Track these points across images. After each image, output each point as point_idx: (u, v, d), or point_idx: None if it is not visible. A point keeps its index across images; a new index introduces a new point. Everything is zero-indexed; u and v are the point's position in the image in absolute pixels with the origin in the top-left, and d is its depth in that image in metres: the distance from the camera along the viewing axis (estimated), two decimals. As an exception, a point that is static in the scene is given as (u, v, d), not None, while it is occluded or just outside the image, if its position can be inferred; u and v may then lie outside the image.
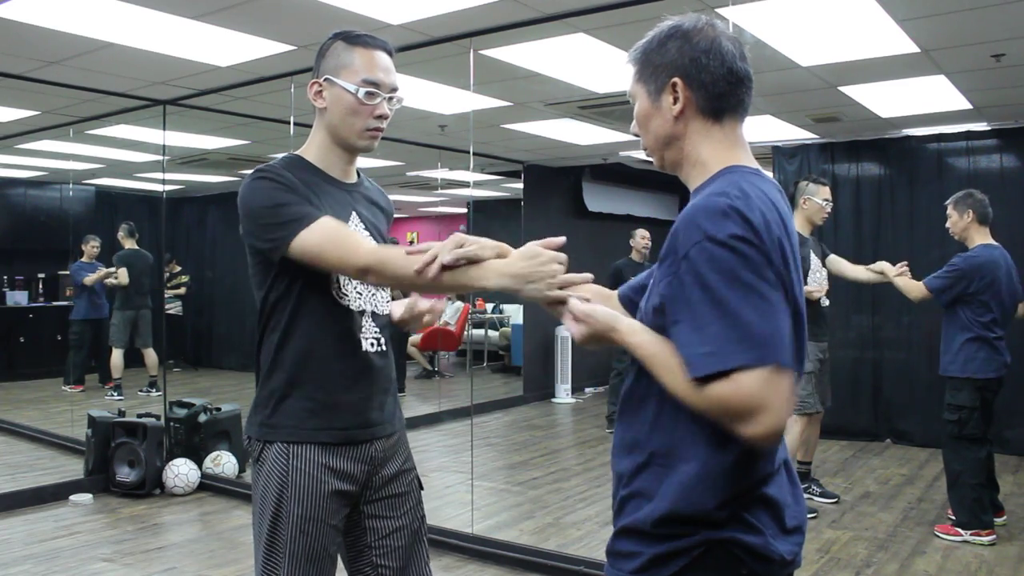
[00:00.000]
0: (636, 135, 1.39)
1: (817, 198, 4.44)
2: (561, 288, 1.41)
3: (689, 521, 1.19)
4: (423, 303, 1.89)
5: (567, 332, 1.40)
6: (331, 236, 1.61)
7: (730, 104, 1.30)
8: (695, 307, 1.13)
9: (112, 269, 7.75)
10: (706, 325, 1.12)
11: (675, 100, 1.29)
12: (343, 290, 1.75)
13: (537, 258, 1.45)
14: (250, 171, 1.76)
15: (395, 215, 2.06)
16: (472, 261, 1.52)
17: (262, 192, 1.66)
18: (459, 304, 9.99)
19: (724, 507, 1.19)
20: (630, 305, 1.46)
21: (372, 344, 1.79)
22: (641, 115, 1.35)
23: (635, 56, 1.35)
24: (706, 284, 1.12)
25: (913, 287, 4.25)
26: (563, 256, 1.45)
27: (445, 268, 1.51)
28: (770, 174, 7.00)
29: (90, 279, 7.78)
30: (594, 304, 1.34)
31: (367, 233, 1.82)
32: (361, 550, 1.83)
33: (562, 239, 1.47)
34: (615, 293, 1.54)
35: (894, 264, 4.42)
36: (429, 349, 10.00)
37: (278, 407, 1.74)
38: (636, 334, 1.26)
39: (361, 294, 1.78)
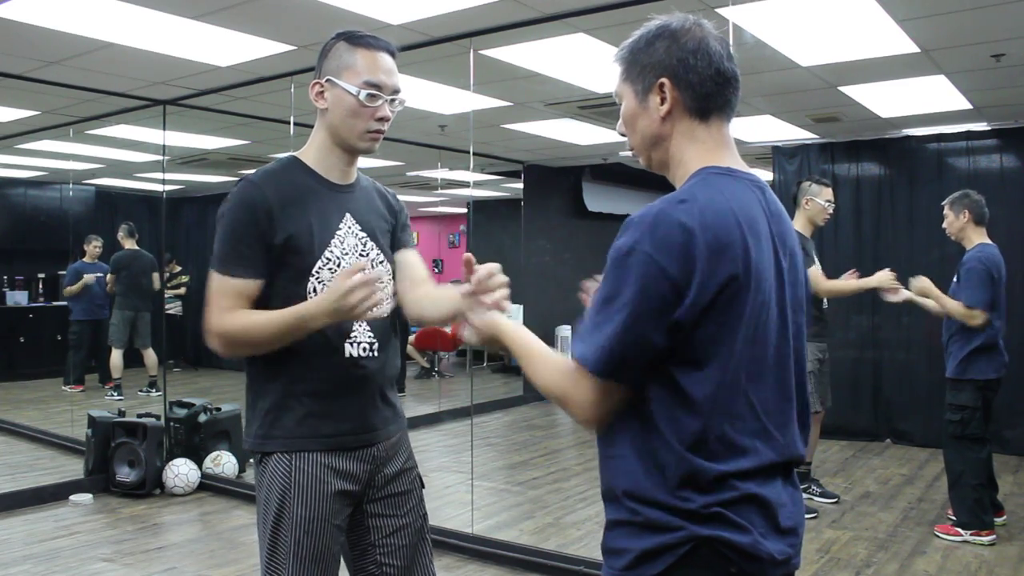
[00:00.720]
0: (623, 135, 1.39)
1: (820, 199, 4.44)
2: (476, 290, 1.47)
3: (659, 503, 1.20)
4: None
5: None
6: (209, 295, 1.69)
7: (717, 104, 1.30)
8: (594, 300, 1.23)
9: (91, 278, 7.77)
10: (587, 319, 1.23)
11: (662, 100, 1.29)
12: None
13: (339, 291, 1.56)
14: (251, 171, 1.77)
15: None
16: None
17: (230, 215, 1.70)
18: None
19: (689, 498, 1.19)
20: None
21: (364, 349, 1.77)
22: (628, 115, 1.35)
23: (622, 56, 1.35)
24: (603, 284, 1.21)
25: (961, 311, 4.01)
26: (361, 266, 1.58)
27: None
28: (770, 174, 7.02)
29: (69, 290, 7.81)
30: (489, 315, 1.47)
31: (364, 234, 1.82)
32: (365, 549, 1.83)
33: (362, 264, 1.62)
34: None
35: (894, 267, 4.38)
36: (426, 348, 9.99)
37: (271, 419, 1.74)
38: (518, 333, 1.39)
39: None
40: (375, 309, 1.65)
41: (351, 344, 1.76)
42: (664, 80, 1.28)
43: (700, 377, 1.19)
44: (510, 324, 1.43)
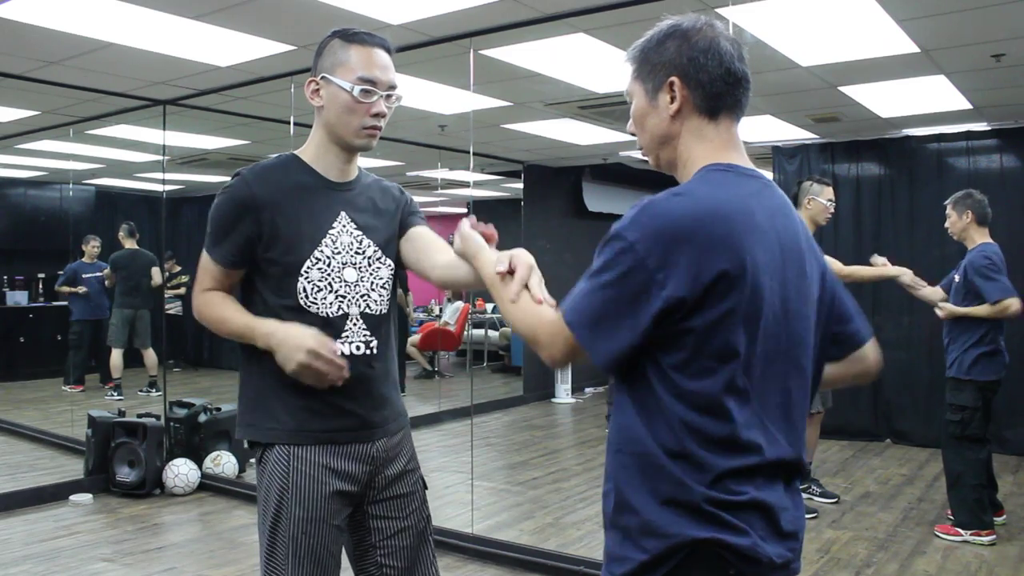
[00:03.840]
0: (632, 134, 1.39)
1: (821, 198, 4.44)
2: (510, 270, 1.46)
3: (665, 512, 1.20)
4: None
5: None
6: (198, 271, 1.79)
7: (727, 104, 1.30)
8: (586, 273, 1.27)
9: (81, 289, 7.79)
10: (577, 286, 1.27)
11: (672, 99, 1.29)
12: (312, 298, 1.73)
13: (297, 339, 1.66)
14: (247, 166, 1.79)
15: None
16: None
17: (218, 207, 1.76)
18: (459, 304, 9.98)
19: (700, 491, 1.18)
20: None
21: (357, 347, 1.76)
22: (638, 114, 1.35)
23: (633, 55, 1.35)
24: (596, 257, 1.24)
25: (985, 312, 3.97)
26: (330, 346, 1.67)
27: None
28: (770, 174, 7.02)
29: (60, 289, 7.83)
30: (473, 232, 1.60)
31: (359, 232, 1.80)
32: (366, 550, 1.83)
33: (335, 347, 1.70)
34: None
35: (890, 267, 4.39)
36: (429, 349, 9.99)
37: (262, 411, 1.75)
38: (492, 264, 1.43)
39: (344, 297, 1.76)
40: (314, 380, 1.68)
41: (343, 343, 1.75)
42: (674, 79, 1.28)
43: (695, 371, 1.19)
44: (491, 254, 1.49)
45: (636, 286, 1.18)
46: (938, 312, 4.21)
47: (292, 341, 1.65)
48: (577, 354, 1.25)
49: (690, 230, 1.17)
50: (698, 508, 1.19)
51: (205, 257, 1.78)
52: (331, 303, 1.75)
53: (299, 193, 1.75)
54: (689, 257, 1.16)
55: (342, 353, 1.73)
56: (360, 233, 1.81)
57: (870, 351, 1.45)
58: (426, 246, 1.85)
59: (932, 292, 4.34)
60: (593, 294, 1.21)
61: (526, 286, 1.35)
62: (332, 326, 1.73)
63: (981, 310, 4.00)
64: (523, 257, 1.41)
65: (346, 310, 1.76)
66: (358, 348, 1.77)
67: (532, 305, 1.33)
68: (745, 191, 1.26)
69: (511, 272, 1.39)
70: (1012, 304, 3.95)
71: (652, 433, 1.22)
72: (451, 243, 1.73)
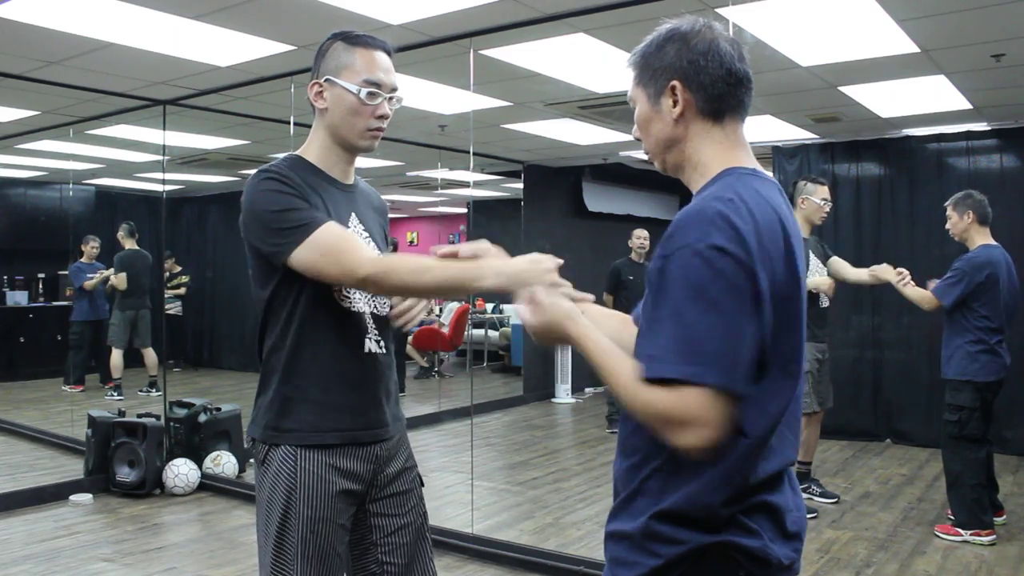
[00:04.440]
0: (638, 139, 1.39)
1: (815, 198, 4.44)
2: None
3: (686, 520, 1.19)
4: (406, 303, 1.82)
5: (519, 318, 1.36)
6: (332, 247, 1.61)
7: (730, 105, 1.30)
8: (659, 312, 1.14)
9: (110, 272, 7.76)
10: (662, 332, 1.12)
11: (675, 103, 1.29)
12: (345, 291, 1.74)
13: (539, 264, 1.48)
14: (251, 171, 1.76)
15: (395, 215, 2.05)
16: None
17: (269, 195, 1.65)
18: (453, 304, 9.97)
19: (725, 507, 1.18)
20: None
21: (376, 345, 1.79)
22: (641, 119, 1.35)
23: (634, 60, 1.35)
24: (673, 293, 1.13)
25: (923, 297, 4.19)
26: (559, 262, 1.48)
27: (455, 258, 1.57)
28: (770, 174, 7.01)
29: (90, 283, 7.79)
30: (557, 296, 1.32)
31: (367, 235, 1.82)
32: (367, 547, 1.84)
33: (560, 261, 1.50)
34: (612, 313, 1.54)
35: (895, 267, 4.40)
36: (422, 348, 10.01)
37: (284, 410, 1.73)
38: (589, 329, 1.25)
39: (362, 297, 1.78)
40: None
41: (369, 339, 1.77)
42: (675, 82, 1.28)
43: (761, 388, 1.17)
44: (583, 319, 1.28)
45: (747, 289, 1.12)
46: (878, 269, 4.37)
47: (534, 268, 1.49)
48: (728, 415, 1.12)
49: (761, 233, 1.16)
50: (715, 513, 1.18)
51: (331, 225, 1.63)
52: (355, 299, 1.76)
53: (320, 191, 1.75)
54: (766, 260, 1.16)
55: (369, 350, 1.77)
56: (367, 235, 1.83)
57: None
58: None
59: (920, 296, 4.28)
60: (700, 321, 1.10)
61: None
62: (358, 321, 1.76)
63: (920, 295, 4.21)
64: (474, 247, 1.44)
65: (363, 308, 1.78)
66: (375, 345, 1.79)
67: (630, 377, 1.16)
68: (776, 199, 1.27)
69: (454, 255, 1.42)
70: (930, 303, 4.14)
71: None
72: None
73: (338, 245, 1.61)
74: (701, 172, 1.30)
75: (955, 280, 4.06)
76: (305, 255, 1.61)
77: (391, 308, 1.84)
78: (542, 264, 1.47)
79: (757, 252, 1.14)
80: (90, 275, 7.85)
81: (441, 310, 10.29)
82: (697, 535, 1.19)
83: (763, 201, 1.22)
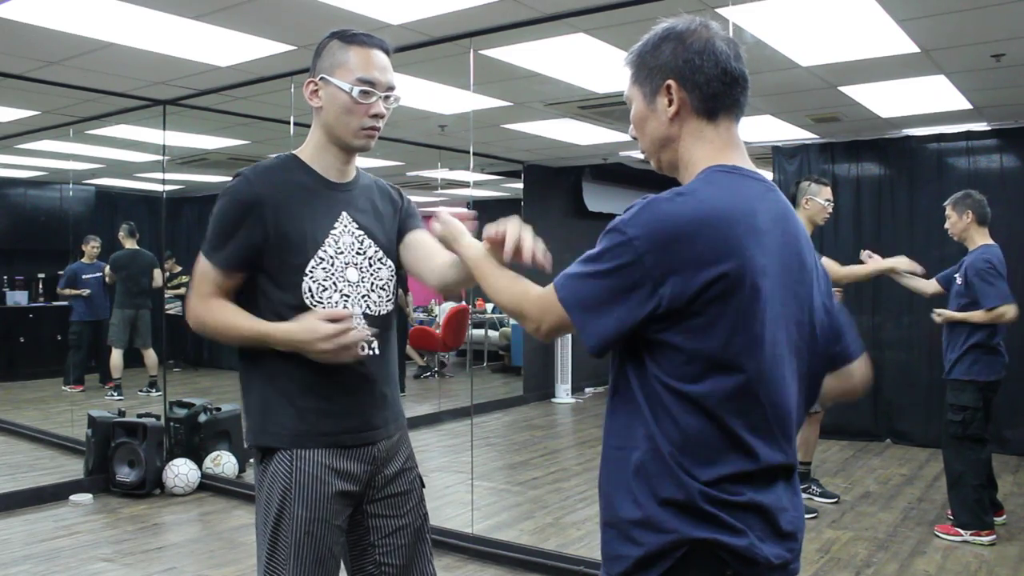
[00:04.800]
0: (634, 138, 1.39)
1: (819, 198, 4.43)
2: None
3: (668, 505, 1.20)
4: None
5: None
6: (195, 278, 1.76)
7: (725, 104, 1.30)
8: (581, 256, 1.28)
9: (84, 291, 7.80)
10: (568, 269, 1.29)
11: (670, 102, 1.29)
12: (317, 297, 1.73)
13: (312, 333, 1.65)
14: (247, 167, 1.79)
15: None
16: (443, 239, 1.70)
17: (220, 208, 1.74)
18: (447, 305, 9.95)
19: (707, 502, 1.19)
20: None
21: (362, 348, 1.76)
22: (637, 118, 1.36)
23: (630, 59, 1.36)
24: (598, 243, 1.26)
25: (977, 314, 3.99)
26: (346, 314, 1.69)
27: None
28: (770, 174, 7.02)
29: (63, 292, 7.84)
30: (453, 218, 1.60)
31: (361, 232, 1.81)
32: (364, 549, 1.84)
33: (347, 312, 1.72)
34: None
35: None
36: (417, 348, 10.02)
37: (268, 415, 1.74)
38: (473, 246, 1.51)
39: (347, 297, 1.76)
40: (348, 354, 1.69)
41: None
42: (671, 82, 1.29)
43: (693, 374, 1.19)
44: (474, 242, 1.52)
45: (631, 280, 1.19)
46: (935, 318, 4.20)
47: (305, 334, 1.66)
48: (564, 330, 1.30)
49: (691, 231, 1.17)
50: (696, 507, 1.19)
51: (204, 263, 1.74)
52: (336, 303, 1.75)
53: (301, 193, 1.76)
54: (688, 258, 1.16)
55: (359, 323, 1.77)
56: (362, 233, 1.82)
57: (858, 368, 1.43)
58: (425, 252, 1.86)
59: (925, 284, 4.33)
60: (588, 279, 1.24)
61: (519, 264, 1.42)
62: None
63: (977, 315, 4.00)
64: (513, 222, 1.45)
65: (353, 310, 1.77)
66: (362, 348, 1.76)
67: (517, 279, 1.39)
68: (749, 193, 1.26)
69: (500, 243, 1.44)
70: (1008, 311, 3.96)
71: (656, 432, 1.22)
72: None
73: (193, 279, 1.78)
74: (691, 171, 1.31)
75: (994, 276, 3.98)
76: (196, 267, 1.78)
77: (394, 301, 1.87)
78: (314, 334, 1.65)
79: (667, 245, 1.17)
80: (87, 275, 7.85)
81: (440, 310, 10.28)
82: (682, 526, 1.19)
83: (726, 196, 1.22)
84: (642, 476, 1.23)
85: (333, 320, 1.66)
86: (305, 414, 1.73)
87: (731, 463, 1.20)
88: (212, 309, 1.74)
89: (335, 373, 1.73)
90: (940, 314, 4.17)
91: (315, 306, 1.73)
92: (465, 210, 1.64)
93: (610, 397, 1.33)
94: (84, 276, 7.90)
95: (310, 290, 1.72)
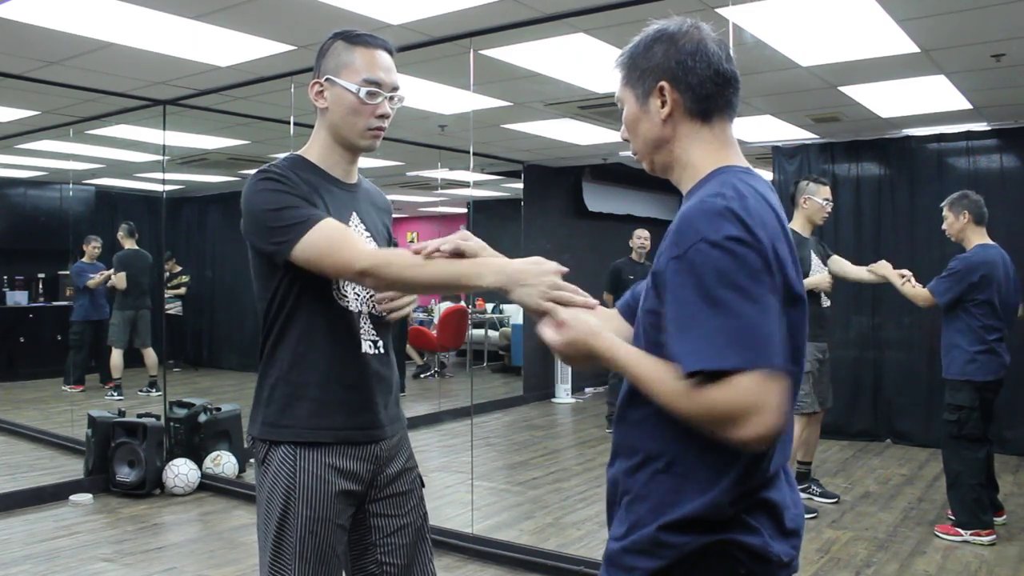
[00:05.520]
0: (626, 140, 1.39)
1: (817, 198, 4.44)
2: (557, 302, 1.38)
3: (696, 525, 1.19)
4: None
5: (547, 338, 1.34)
6: (330, 242, 1.61)
7: (718, 105, 1.30)
8: (690, 308, 1.12)
9: (111, 272, 7.76)
10: (699, 325, 1.10)
11: (663, 103, 1.29)
12: (342, 291, 1.75)
13: (539, 265, 1.46)
14: (251, 171, 1.76)
15: (396, 215, 2.05)
16: (469, 256, 1.56)
17: (267, 194, 1.66)
18: (444, 305, 9.95)
19: (732, 506, 1.19)
20: (629, 313, 1.45)
21: (371, 346, 1.79)
22: (630, 119, 1.35)
23: (622, 61, 1.36)
24: (701, 285, 1.11)
25: (919, 295, 4.22)
26: (564, 270, 1.45)
27: (449, 255, 1.55)
28: (770, 174, 7.02)
29: (93, 282, 7.80)
30: (578, 312, 1.31)
31: (368, 234, 1.83)
32: (366, 548, 1.84)
33: (565, 269, 1.47)
34: (615, 312, 1.51)
35: (895, 266, 4.41)
36: (417, 347, 10.02)
37: (282, 408, 1.74)
38: (618, 343, 1.24)
39: (359, 295, 1.78)
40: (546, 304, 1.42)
41: (366, 341, 1.77)
42: (663, 83, 1.29)
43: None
44: (606, 332, 1.27)
45: (770, 279, 1.14)
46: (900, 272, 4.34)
47: (536, 267, 1.47)
48: (775, 387, 1.10)
49: (763, 230, 1.17)
50: (723, 511, 1.18)
51: (329, 221, 1.63)
52: (351, 299, 1.76)
53: (321, 190, 1.76)
54: (776, 257, 1.17)
55: (365, 352, 1.76)
56: (368, 235, 1.83)
57: None
58: None
59: (916, 294, 4.31)
60: (739, 311, 1.09)
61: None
62: (354, 321, 1.76)
63: (918, 293, 4.22)
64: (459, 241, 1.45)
65: (361, 308, 1.78)
66: (371, 346, 1.79)
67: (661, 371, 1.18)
68: (769, 196, 1.27)
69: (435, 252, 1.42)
70: (926, 299, 4.17)
71: (676, 440, 1.21)
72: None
73: (337, 239, 1.62)
74: (691, 172, 1.30)
75: (953, 280, 4.08)
76: (306, 250, 1.61)
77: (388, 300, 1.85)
78: (543, 266, 1.46)
79: (767, 244, 1.15)
80: (91, 275, 7.85)
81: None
82: (701, 537, 1.19)
83: (761, 199, 1.22)
84: (663, 486, 1.21)
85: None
86: (320, 407, 1.73)
87: (759, 470, 1.21)
88: (392, 251, 1.67)
89: (353, 367, 1.75)
90: (903, 274, 4.31)
91: (339, 299, 1.74)
92: (464, 235, 1.54)
93: (624, 408, 1.30)
94: (85, 276, 7.90)
95: (337, 283, 1.73)
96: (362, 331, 1.77)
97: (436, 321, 9.86)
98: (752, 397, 1.07)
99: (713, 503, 1.18)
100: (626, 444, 1.29)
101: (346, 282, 1.74)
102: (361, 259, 1.59)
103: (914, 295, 4.25)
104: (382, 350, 1.81)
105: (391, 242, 1.95)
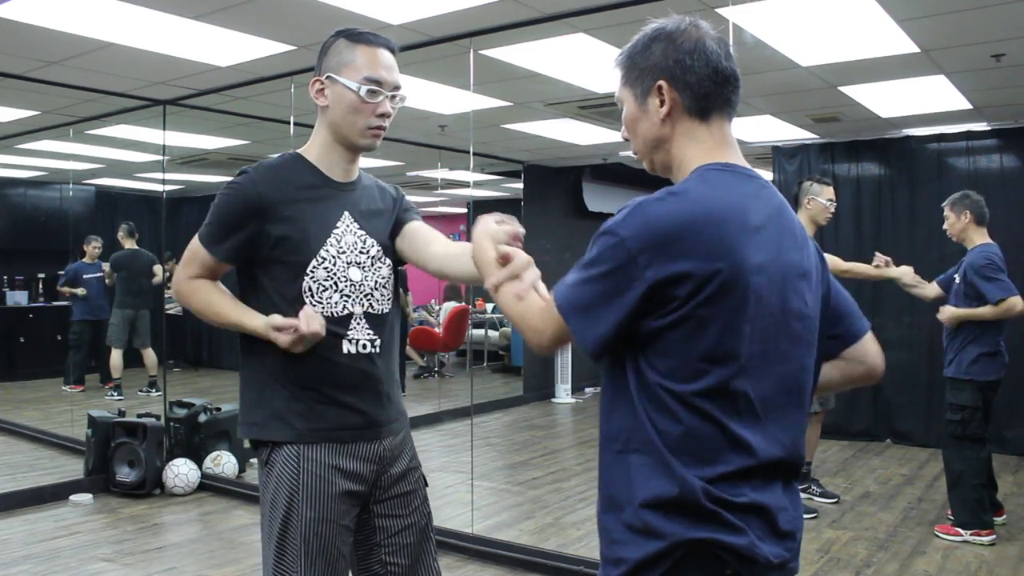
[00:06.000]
0: (626, 139, 1.39)
1: (821, 198, 4.43)
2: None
3: (671, 508, 1.19)
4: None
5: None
6: (186, 255, 1.82)
7: (716, 104, 1.30)
8: (577, 263, 1.28)
9: (80, 291, 7.81)
10: (568, 277, 1.28)
11: (661, 102, 1.29)
12: (317, 297, 1.74)
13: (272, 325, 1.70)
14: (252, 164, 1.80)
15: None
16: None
17: (220, 196, 1.77)
18: (449, 305, 9.96)
19: (710, 500, 1.18)
20: None
21: (363, 346, 1.77)
22: (629, 119, 1.36)
23: (621, 60, 1.36)
24: (589, 249, 1.27)
25: (984, 309, 3.95)
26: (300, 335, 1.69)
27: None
28: (770, 174, 7.02)
29: (63, 290, 7.85)
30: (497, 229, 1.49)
31: (362, 232, 1.81)
32: (371, 548, 1.84)
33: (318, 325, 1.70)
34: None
35: (896, 266, 4.39)
36: (416, 347, 10.01)
37: (271, 408, 1.74)
38: (493, 258, 1.42)
39: (348, 297, 1.77)
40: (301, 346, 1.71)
41: (349, 341, 1.76)
42: (662, 82, 1.28)
43: (687, 374, 1.19)
44: (494, 257, 1.44)
45: (625, 282, 1.19)
46: (940, 317, 4.17)
47: (269, 326, 1.71)
48: (565, 340, 1.28)
49: (683, 231, 1.17)
50: (698, 505, 1.18)
51: (200, 248, 1.77)
52: (336, 302, 1.75)
53: (305, 193, 1.76)
54: (680, 257, 1.16)
55: (348, 352, 1.76)
56: (364, 233, 1.82)
57: (870, 350, 1.42)
58: (423, 239, 1.86)
59: (927, 289, 4.35)
60: (583, 285, 1.23)
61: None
62: (337, 325, 1.75)
63: (985, 311, 3.97)
64: (522, 257, 1.42)
65: (351, 309, 1.77)
66: (364, 347, 1.78)
67: (527, 295, 1.38)
68: (742, 191, 1.26)
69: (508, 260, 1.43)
70: (1016, 303, 3.93)
71: (653, 434, 1.21)
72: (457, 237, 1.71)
73: (186, 256, 1.81)
74: (684, 171, 1.31)
75: (995, 271, 3.95)
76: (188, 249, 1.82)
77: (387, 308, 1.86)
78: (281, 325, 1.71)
79: (660, 246, 1.17)
80: (85, 276, 7.85)
81: (441, 310, 10.28)
82: (681, 527, 1.19)
83: (717, 195, 1.22)
84: (641, 478, 1.22)
85: (281, 329, 1.69)
86: (307, 410, 1.73)
87: (730, 460, 1.20)
88: (199, 289, 1.80)
89: (338, 370, 1.74)
90: (945, 311, 4.13)
91: (315, 306, 1.73)
92: (512, 225, 1.54)
93: (605, 399, 1.32)
94: (85, 276, 7.90)
95: (310, 289, 1.73)
96: (351, 332, 1.76)
97: (442, 320, 9.85)
98: (540, 324, 1.29)
99: (686, 484, 1.18)
100: (610, 429, 1.30)
101: (323, 288, 1.74)
102: (176, 282, 1.83)
103: (1010, 306, 3.89)
104: (378, 348, 1.80)
105: (400, 220, 1.91)
